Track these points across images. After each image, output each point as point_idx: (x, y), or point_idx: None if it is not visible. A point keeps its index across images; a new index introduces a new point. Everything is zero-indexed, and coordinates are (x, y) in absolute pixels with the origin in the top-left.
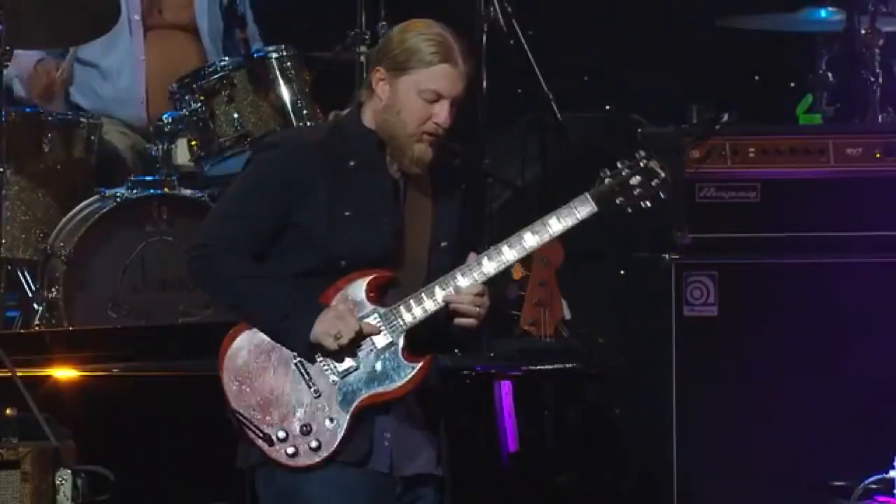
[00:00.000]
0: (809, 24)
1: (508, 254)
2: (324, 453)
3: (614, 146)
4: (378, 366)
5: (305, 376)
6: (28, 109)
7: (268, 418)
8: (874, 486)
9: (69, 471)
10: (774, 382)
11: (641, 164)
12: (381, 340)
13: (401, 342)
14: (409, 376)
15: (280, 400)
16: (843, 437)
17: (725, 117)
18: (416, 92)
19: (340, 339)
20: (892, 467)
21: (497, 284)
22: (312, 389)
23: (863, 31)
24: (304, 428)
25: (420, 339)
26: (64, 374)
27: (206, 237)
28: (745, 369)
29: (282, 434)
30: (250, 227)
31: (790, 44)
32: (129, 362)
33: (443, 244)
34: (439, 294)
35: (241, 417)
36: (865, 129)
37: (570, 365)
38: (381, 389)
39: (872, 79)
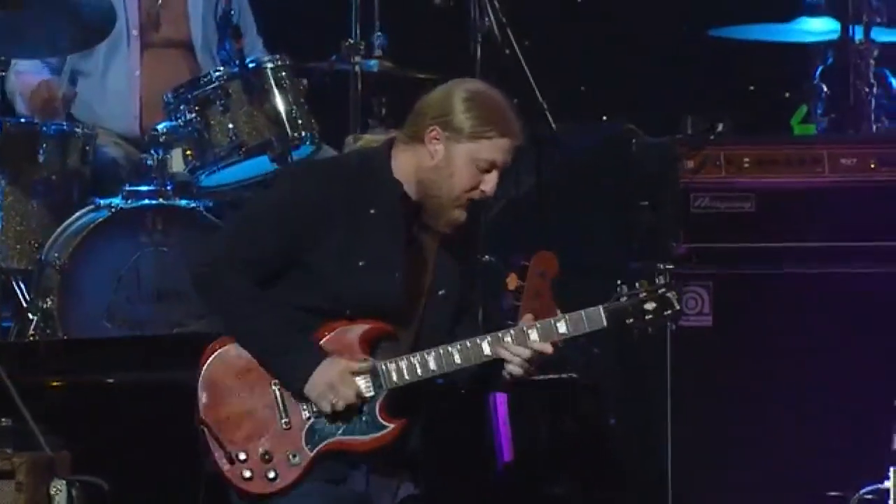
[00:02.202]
0: (804, 35)
1: (505, 348)
2: (278, 485)
3: (610, 157)
4: (353, 415)
5: (280, 405)
6: (24, 120)
7: (233, 436)
8: (869, 497)
9: (64, 481)
10: (769, 393)
11: (659, 293)
12: (361, 392)
13: (380, 399)
14: (379, 434)
15: (249, 421)
16: (837, 447)
17: (720, 127)
18: (471, 160)
19: (336, 406)
20: (887, 478)
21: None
22: (283, 420)
23: (857, 42)
24: (266, 455)
25: (413, 392)
26: (59, 383)
27: (217, 252)
28: (740, 380)
29: (242, 455)
30: (261, 253)
31: (785, 54)
32: (123, 372)
33: (440, 293)
34: (432, 364)
35: (207, 429)
36: (860, 139)
37: (565, 375)
38: (348, 439)
39: (867, 89)
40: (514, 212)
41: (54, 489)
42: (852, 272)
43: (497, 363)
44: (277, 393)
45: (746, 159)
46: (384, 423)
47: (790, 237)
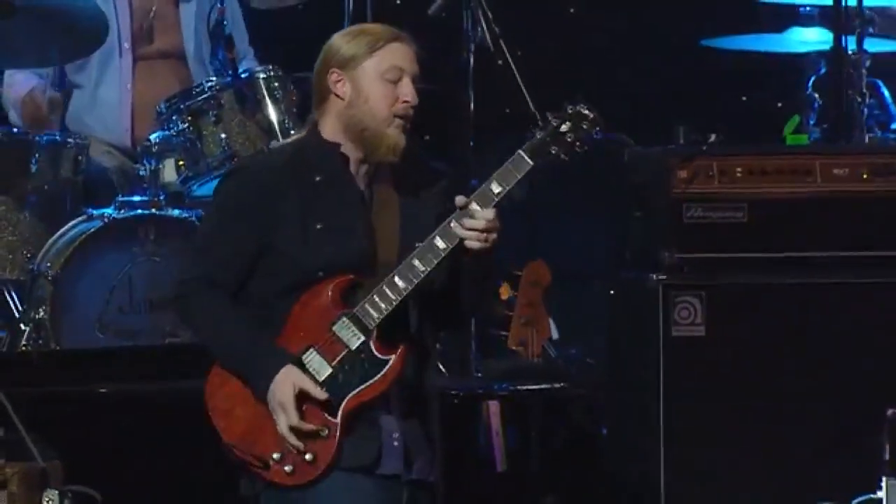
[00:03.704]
0: (797, 45)
1: (456, 229)
2: (321, 465)
3: (602, 166)
4: (356, 367)
5: None
6: (16, 130)
7: (259, 443)
8: None
9: (56, 491)
10: (762, 402)
11: (570, 111)
12: (353, 342)
13: (373, 339)
14: (387, 369)
15: (267, 422)
16: (830, 457)
17: (713, 137)
18: (377, 75)
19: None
20: (879, 488)
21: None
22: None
23: (850, 52)
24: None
25: (399, 319)
26: (51, 394)
27: (186, 274)
28: (732, 389)
29: (276, 455)
30: (226, 258)
31: (777, 64)
32: (116, 382)
33: (418, 245)
34: (399, 282)
35: (234, 448)
36: (852, 149)
37: (558, 385)
38: (361, 389)
39: (859, 99)
40: (505, 222)
41: (47, 500)
42: (845, 282)
43: (462, 257)
44: None
45: (739, 169)
46: (385, 358)
47: (782, 247)
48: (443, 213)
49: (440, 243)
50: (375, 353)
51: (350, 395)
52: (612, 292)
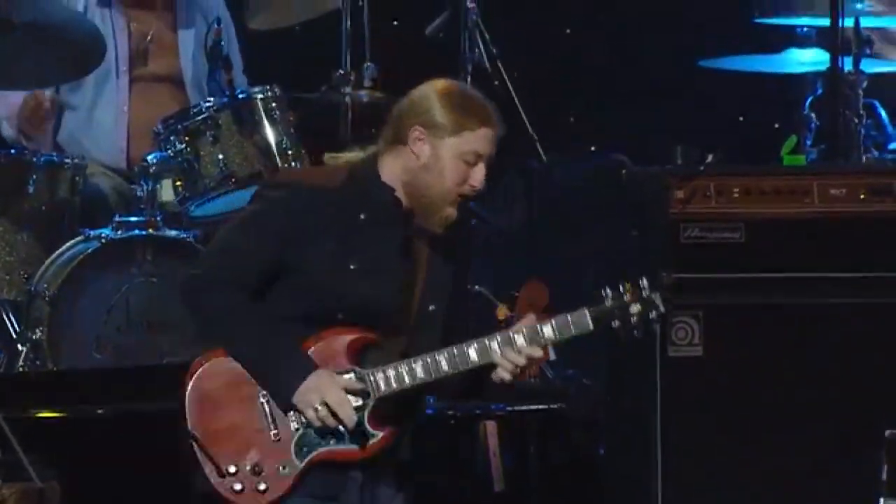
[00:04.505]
0: (794, 66)
1: (494, 354)
2: (268, 497)
3: (599, 187)
4: (342, 426)
5: (269, 417)
6: (13, 151)
7: (223, 449)
8: None
9: None
10: (759, 423)
11: (644, 295)
12: (351, 401)
13: (368, 408)
14: (369, 444)
15: (239, 434)
16: (827, 477)
17: (710, 158)
18: (458, 154)
19: (320, 413)
20: None
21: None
22: (272, 432)
23: (847, 73)
24: (256, 468)
25: (402, 401)
26: (48, 414)
27: (204, 267)
28: (730, 409)
29: (232, 468)
30: (249, 263)
31: (774, 85)
32: (113, 403)
33: (431, 308)
34: (419, 371)
35: (195, 439)
36: (850, 169)
37: (555, 405)
38: (338, 449)
39: (856, 120)
40: (503, 242)
41: None
42: (842, 303)
43: (485, 370)
44: (266, 406)
45: (736, 189)
46: (373, 431)
47: (780, 268)
48: (461, 267)
49: (473, 356)
50: (366, 423)
51: (323, 449)
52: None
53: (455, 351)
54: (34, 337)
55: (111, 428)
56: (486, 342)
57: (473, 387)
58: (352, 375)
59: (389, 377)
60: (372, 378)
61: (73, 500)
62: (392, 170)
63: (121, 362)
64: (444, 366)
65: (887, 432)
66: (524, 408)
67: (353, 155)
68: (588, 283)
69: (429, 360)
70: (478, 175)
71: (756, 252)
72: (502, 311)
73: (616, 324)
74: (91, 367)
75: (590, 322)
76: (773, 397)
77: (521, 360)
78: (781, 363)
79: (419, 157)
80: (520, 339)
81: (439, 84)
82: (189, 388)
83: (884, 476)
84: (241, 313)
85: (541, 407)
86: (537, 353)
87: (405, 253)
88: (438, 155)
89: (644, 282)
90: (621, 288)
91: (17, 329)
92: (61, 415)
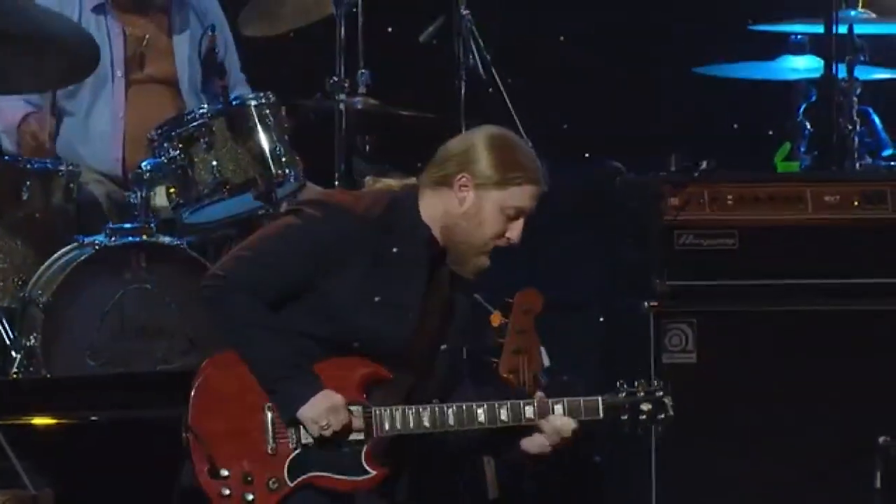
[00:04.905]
0: (788, 73)
1: (504, 416)
2: None
3: (594, 194)
4: (338, 455)
5: (270, 430)
6: (7, 158)
7: (219, 451)
8: None
9: None
10: (753, 429)
11: (657, 396)
12: (352, 435)
13: (368, 443)
14: (360, 479)
15: (237, 439)
16: (821, 484)
17: (704, 165)
18: (501, 208)
19: (325, 432)
20: None
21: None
22: (269, 446)
23: (840, 80)
24: (248, 477)
25: (402, 444)
26: (42, 421)
27: (230, 271)
28: (724, 416)
29: (225, 472)
30: (277, 276)
31: (768, 92)
32: (107, 410)
33: (443, 347)
34: (425, 420)
35: (193, 436)
36: (843, 176)
37: None
38: (330, 476)
39: (850, 127)
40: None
41: None
42: (836, 309)
43: (498, 435)
44: (269, 418)
45: (730, 196)
46: (367, 468)
47: (773, 274)
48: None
49: (481, 417)
50: (363, 457)
51: (315, 474)
52: (603, 319)
53: (463, 407)
54: (28, 344)
55: (105, 435)
56: (497, 407)
57: (494, 448)
58: (360, 408)
59: (395, 418)
60: (378, 416)
61: None
62: (432, 209)
63: (115, 369)
64: (451, 420)
65: (881, 439)
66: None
67: (393, 183)
68: (582, 292)
69: (436, 410)
70: (516, 229)
71: (750, 259)
72: (497, 318)
73: (624, 417)
74: (85, 374)
75: (601, 411)
76: (767, 403)
77: (566, 432)
78: (775, 369)
79: (462, 204)
80: (528, 409)
81: (489, 131)
82: (198, 383)
83: (878, 483)
84: (261, 320)
85: None
86: (574, 424)
87: (429, 293)
88: (481, 206)
89: (657, 383)
90: (636, 384)
91: (11, 336)
92: (55, 422)
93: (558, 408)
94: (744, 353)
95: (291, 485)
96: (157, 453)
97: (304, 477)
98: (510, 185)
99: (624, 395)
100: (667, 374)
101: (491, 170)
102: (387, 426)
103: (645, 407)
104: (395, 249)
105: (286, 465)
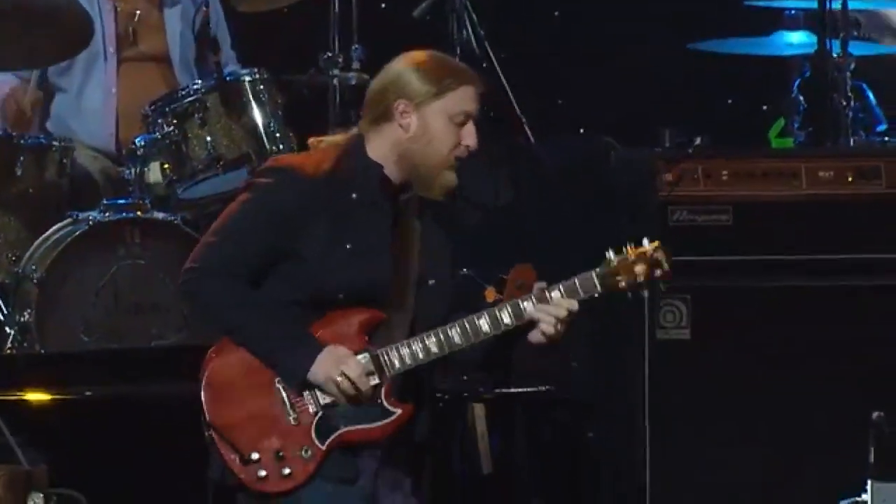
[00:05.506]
0: (782, 48)
1: (506, 318)
2: (294, 481)
3: (588, 170)
4: (360, 406)
5: (287, 402)
6: (0, 134)
7: (243, 437)
8: None
9: (41, 494)
10: (747, 406)
11: (647, 254)
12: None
13: (384, 386)
14: (389, 421)
15: (258, 421)
16: (815, 460)
17: (698, 141)
18: (446, 117)
19: (344, 385)
20: (865, 491)
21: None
22: (291, 417)
23: (835, 55)
24: (279, 453)
25: (415, 378)
26: (36, 397)
27: (200, 260)
28: (718, 393)
29: (255, 455)
30: (246, 252)
31: (763, 67)
32: (101, 385)
33: (430, 282)
34: (433, 347)
35: (216, 432)
36: (837, 152)
37: (543, 388)
38: (358, 428)
39: (844, 102)
40: (491, 224)
41: (32, 503)
42: (830, 285)
43: (508, 341)
44: (283, 391)
45: (724, 172)
46: (392, 409)
47: (768, 250)
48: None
49: (485, 326)
50: (384, 400)
51: (344, 429)
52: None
53: (466, 323)
54: (22, 319)
55: (100, 410)
56: (497, 312)
57: (495, 358)
58: (366, 355)
59: (403, 355)
60: (386, 357)
61: (61, 483)
62: (380, 149)
63: (109, 344)
64: (457, 339)
65: (875, 415)
66: (512, 390)
67: (336, 138)
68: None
69: (441, 334)
70: (470, 135)
71: (744, 235)
72: (491, 294)
73: (622, 284)
74: (79, 350)
75: (597, 283)
76: (761, 380)
77: (563, 313)
78: (769, 346)
79: (408, 129)
80: (527, 304)
81: (410, 56)
82: (204, 381)
83: (872, 459)
84: (241, 301)
85: (528, 390)
86: (574, 305)
87: (397, 230)
88: (427, 123)
89: (646, 242)
90: (624, 249)
91: (6, 311)
92: (49, 397)
93: (556, 294)
94: (738, 329)
95: (324, 447)
96: (152, 428)
97: (334, 436)
98: (447, 91)
99: (615, 263)
100: (661, 351)
101: (425, 84)
102: (397, 364)
103: (639, 269)
104: (353, 196)
105: (313, 431)
